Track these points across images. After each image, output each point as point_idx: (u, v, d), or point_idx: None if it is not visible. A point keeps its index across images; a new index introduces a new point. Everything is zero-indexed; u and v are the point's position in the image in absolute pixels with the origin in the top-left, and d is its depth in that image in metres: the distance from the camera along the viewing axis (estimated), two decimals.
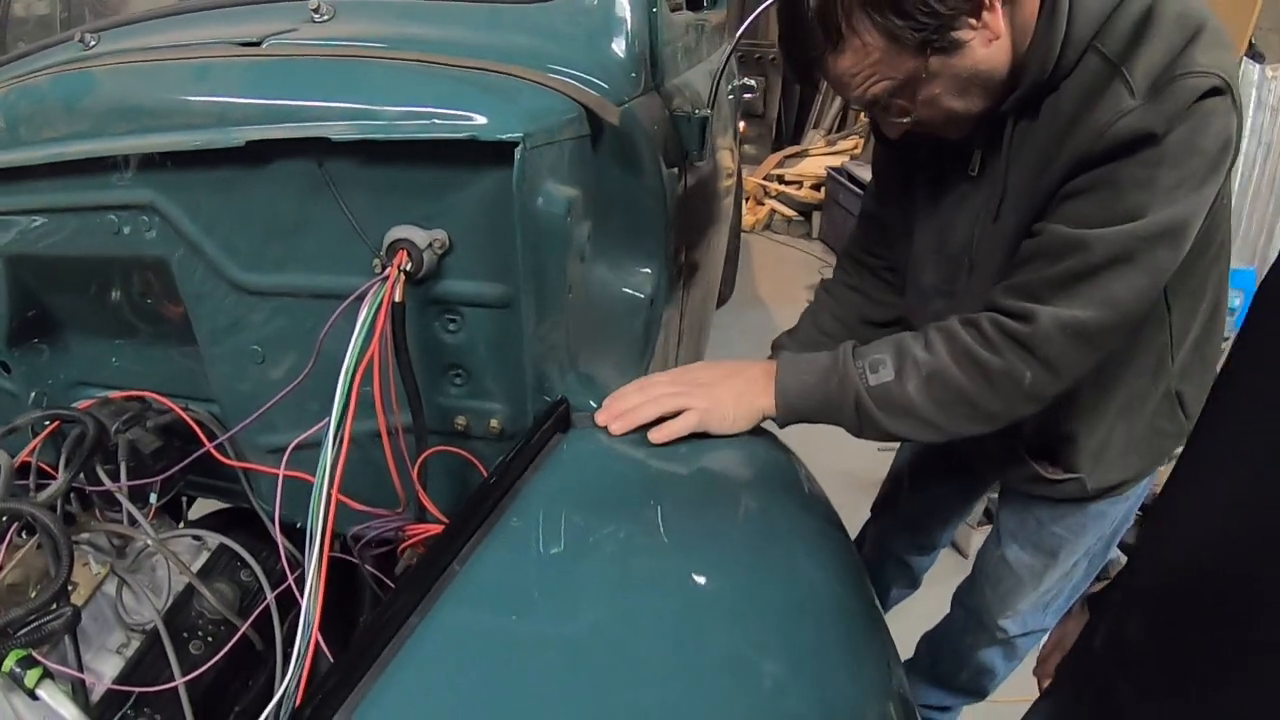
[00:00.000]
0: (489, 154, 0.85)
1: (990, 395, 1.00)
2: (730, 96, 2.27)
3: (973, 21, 0.92)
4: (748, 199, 5.79)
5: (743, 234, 4.39)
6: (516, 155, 0.84)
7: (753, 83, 2.39)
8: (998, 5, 0.92)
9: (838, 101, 5.81)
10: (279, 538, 1.10)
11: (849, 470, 2.46)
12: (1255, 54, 3.49)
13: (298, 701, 0.71)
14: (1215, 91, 0.88)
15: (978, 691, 1.72)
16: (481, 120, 0.85)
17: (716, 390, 1.03)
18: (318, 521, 0.81)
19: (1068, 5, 0.93)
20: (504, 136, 0.83)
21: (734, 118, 2.44)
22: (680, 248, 1.47)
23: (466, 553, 0.76)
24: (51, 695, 0.86)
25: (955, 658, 1.68)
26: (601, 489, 0.91)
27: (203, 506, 1.47)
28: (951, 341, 1.00)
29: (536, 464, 0.89)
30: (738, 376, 1.06)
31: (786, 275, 4.89)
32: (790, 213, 5.76)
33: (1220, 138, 0.90)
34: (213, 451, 1.14)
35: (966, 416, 1.02)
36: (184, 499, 1.47)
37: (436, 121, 0.86)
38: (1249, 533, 0.56)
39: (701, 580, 0.80)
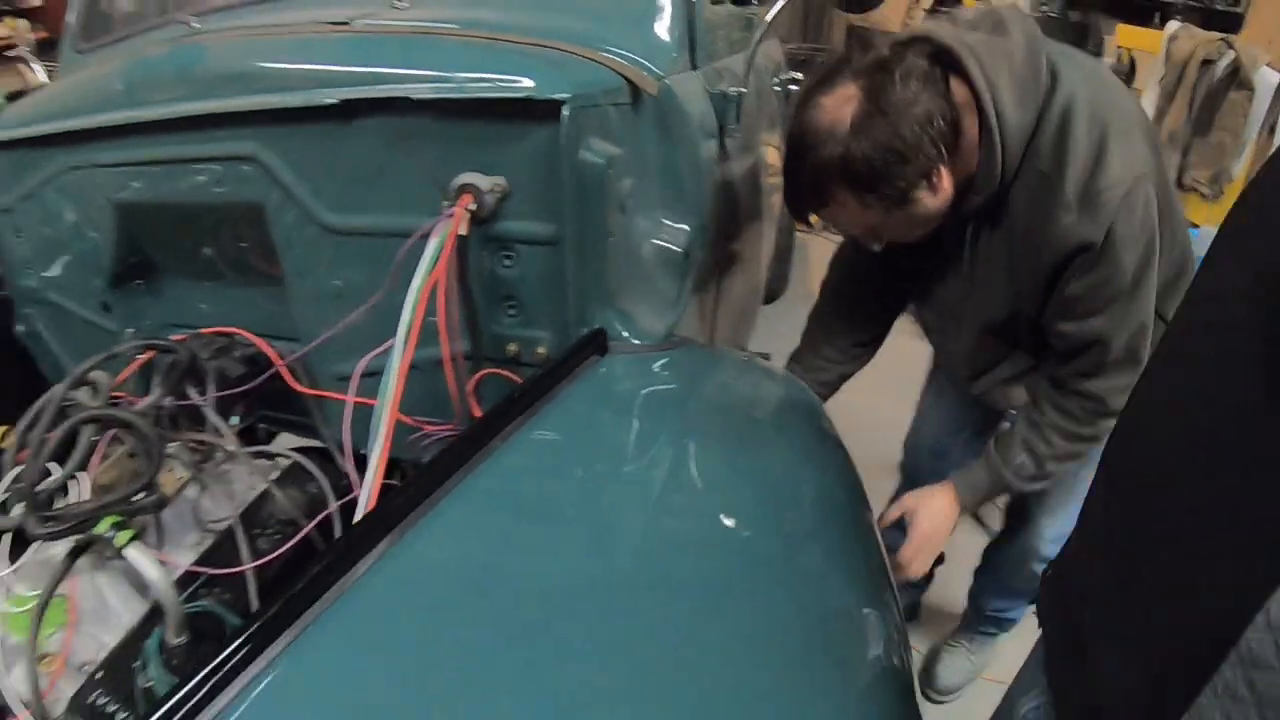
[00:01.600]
0: (541, 112, 1.01)
1: (1093, 444, 1.34)
2: (777, 88, 2.38)
3: (925, 184, 1.16)
4: None
5: (800, 232, 4.45)
6: (564, 112, 0.99)
7: (800, 76, 2.48)
8: (944, 170, 1.16)
9: None
10: (349, 454, 1.24)
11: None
12: None
13: None
14: (1130, 188, 1.12)
15: (1034, 592, 1.87)
16: (534, 84, 1.00)
17: (938, 534, 1.42)
18: (383, 416, 0.95)
19: (999, 141, 1.15)
20: (553, 96, 0.99)
21: (784, 113, 2.54)
22: (717, 237, 1.60)
23: (485, 453, 0.89)
24: (139, 554, 0.98)
25: (1013, 565, 1.86)
26: (625, 408, 1.05)
27: None
28: (1060, 431, 1.34)
29: (572, 379, 1.03)
30: (941, 515, 1.43)
31: None
32: None
33: (1146, 207, 1.14)
34: (284, 372, 1.29)
35: (1078, 460, 1.38)
36: (261, 431, 1.62)
37: (499, 84, 1.01)
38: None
39: (704, 501, 0.93)
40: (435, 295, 1.01)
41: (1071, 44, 1.28)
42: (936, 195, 1.18)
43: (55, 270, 1.53)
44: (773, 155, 2.44)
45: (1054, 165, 1.14)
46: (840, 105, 1.15)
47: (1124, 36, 4.23)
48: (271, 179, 1.20)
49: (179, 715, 0.58)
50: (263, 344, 1.36)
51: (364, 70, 1.11)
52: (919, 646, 2.13)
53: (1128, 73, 4.24)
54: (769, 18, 1.38)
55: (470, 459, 0.83)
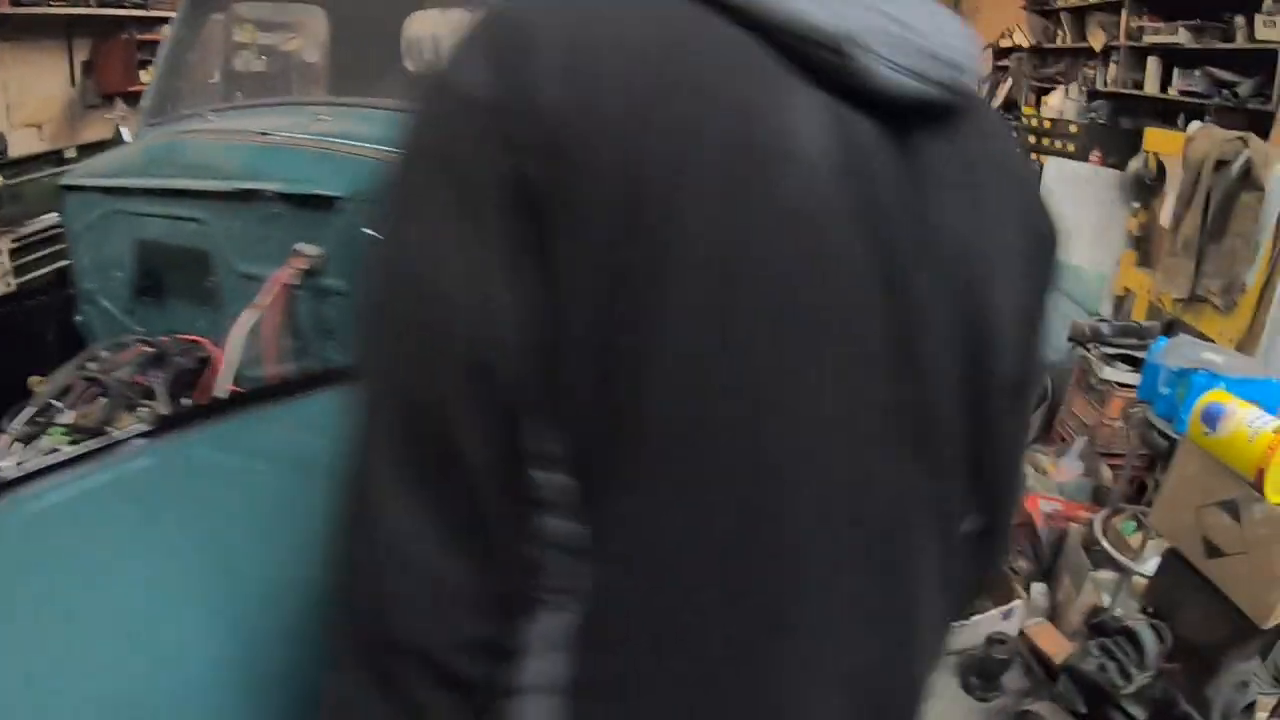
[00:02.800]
0: (331, 204, 1.52)
1: None
2: None
3: None
4: None
5: None
6: (339, 205, 1.50)
7: None
8: None
9: None
10: None
11: None
12: None
13: None
14: None
15: None
16: (328, 184, 1.52)
17: None
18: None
19: None
20: (333, 193, 1.50)
21: None
22: None
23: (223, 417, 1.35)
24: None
25: None
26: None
27: None
28: None
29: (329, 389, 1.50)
30: None
31: None
32: None
33: None
34: (215, 370, 1.84)
35: None
36: None
37: (310, 184, 1.54)
38: None
39: None
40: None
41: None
42: None
43: (102, 281, 2.17)
44: None
45: None
46: None
47: (1151, 140, 4.24)
48: (211, 235, 1.77)
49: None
50: (214, 350, 1.92)
51: (257, 169, 1.66)
52: None
53: (1155, 177, 4.22)
54: None
55: (204, 420, 1.30)
